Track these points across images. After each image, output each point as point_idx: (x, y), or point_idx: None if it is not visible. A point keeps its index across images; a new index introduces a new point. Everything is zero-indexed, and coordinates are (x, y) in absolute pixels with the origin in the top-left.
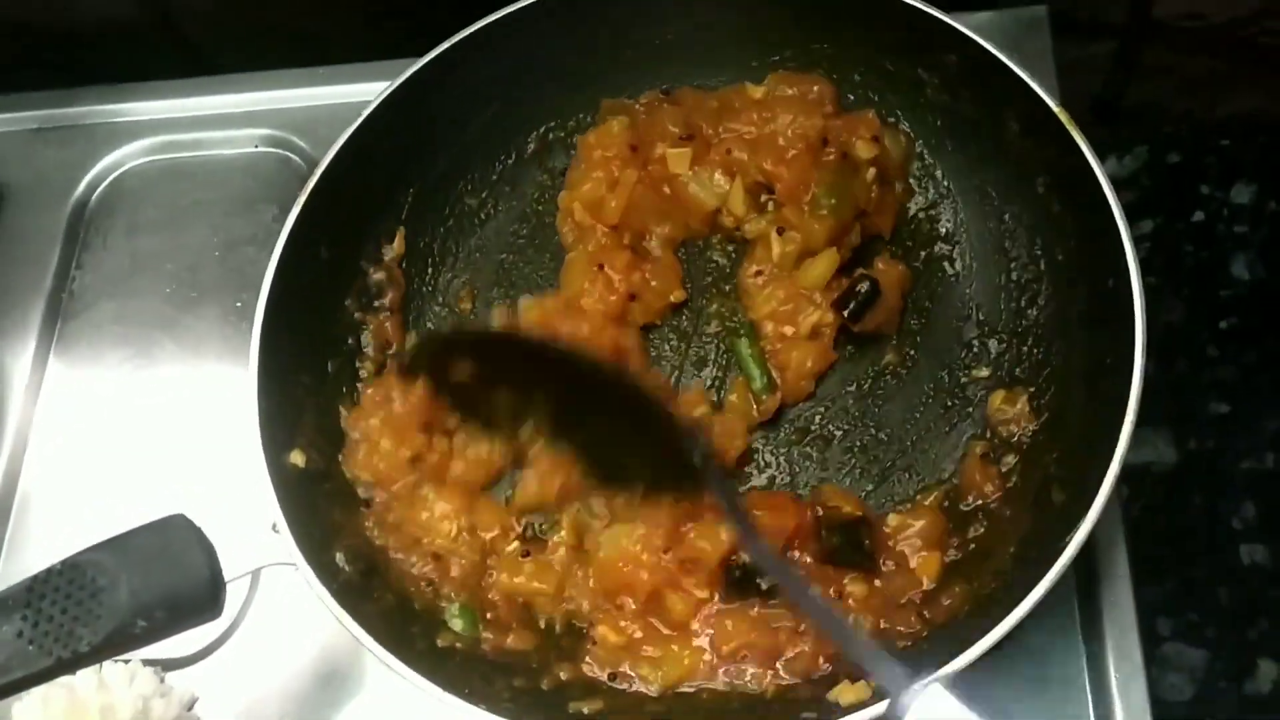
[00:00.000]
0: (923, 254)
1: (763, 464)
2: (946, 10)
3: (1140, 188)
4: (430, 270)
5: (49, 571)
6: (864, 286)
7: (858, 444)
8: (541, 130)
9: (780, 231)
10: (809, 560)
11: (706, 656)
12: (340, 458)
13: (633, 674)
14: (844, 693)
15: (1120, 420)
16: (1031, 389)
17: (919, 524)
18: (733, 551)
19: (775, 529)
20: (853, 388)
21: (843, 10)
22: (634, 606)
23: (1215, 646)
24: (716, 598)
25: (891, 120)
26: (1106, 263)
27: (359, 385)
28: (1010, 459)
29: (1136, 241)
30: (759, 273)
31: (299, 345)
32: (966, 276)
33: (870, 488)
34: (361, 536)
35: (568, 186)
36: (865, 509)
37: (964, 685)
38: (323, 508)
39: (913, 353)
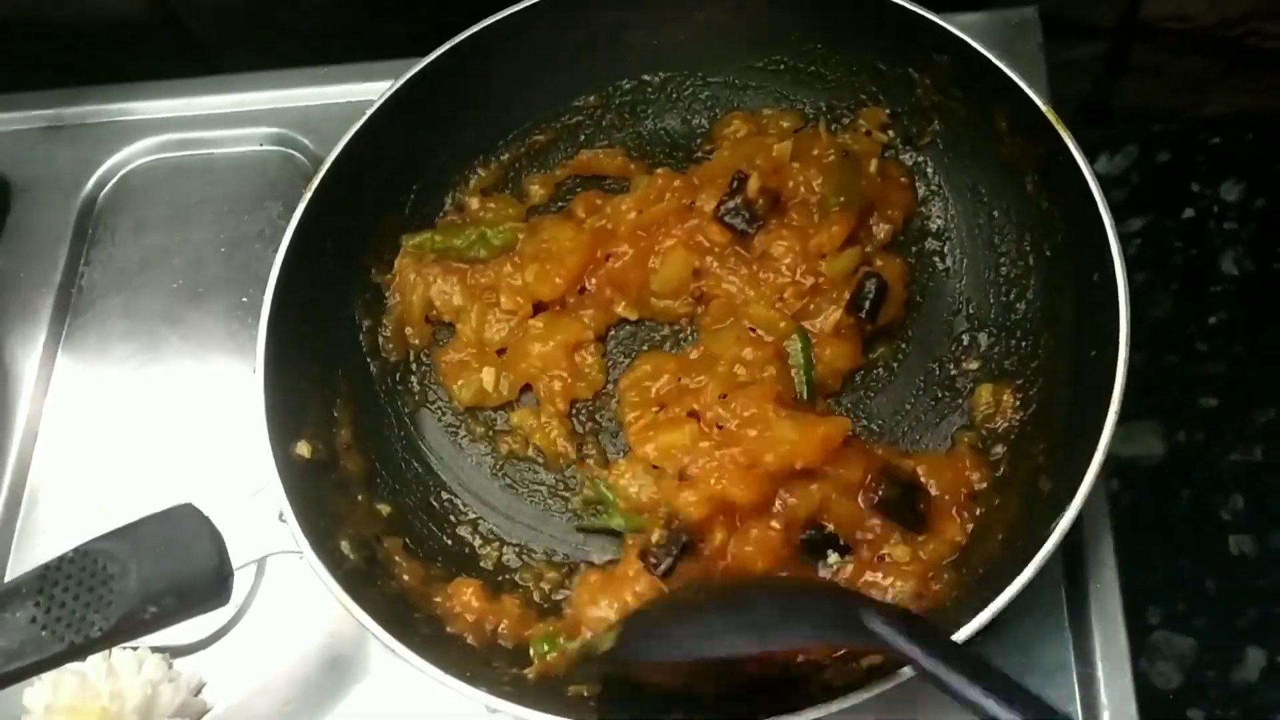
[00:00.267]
0: (914, 249)
1: None
2: (938, 11)
3: (1130, 186)
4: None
5: (61, 559)
6: (871, 285)
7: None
8: (542, 128)
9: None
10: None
11: None
12: None
13: None
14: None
15: (1105, 410)
16: (1019, 381)
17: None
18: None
19: (849, 477)
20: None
21: (835, 12)
22: None
23: (1204, 635)
24: None
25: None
26: (1092, 258)
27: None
28: (999, 449)
29: (1127, 238)
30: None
31: (304, 338)
32: (957, 272)
33: None
34: (365, 526)
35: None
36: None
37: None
38: (328, 497)
39: (904, 346)
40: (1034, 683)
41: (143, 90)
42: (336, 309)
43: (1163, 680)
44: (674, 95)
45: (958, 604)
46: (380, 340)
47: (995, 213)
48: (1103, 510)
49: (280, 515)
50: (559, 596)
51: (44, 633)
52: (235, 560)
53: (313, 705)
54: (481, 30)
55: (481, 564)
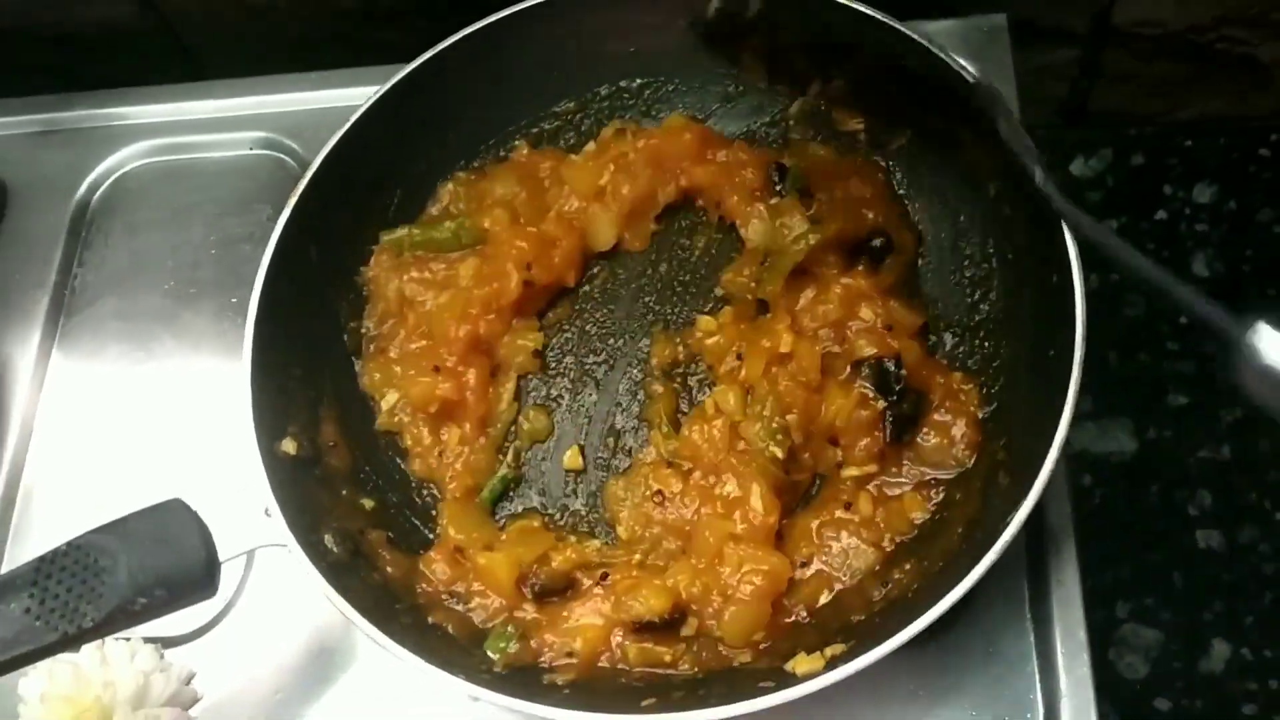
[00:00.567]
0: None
1: None
2: (904, 19)
3: (1105, 188)
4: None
5: (54, 553)
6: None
7: None
8: (525, 132)
9: None
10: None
11: None
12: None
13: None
14: (800, 663)
15: (1061, 408)
16: (982, 379)
17: None
18: None
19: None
20: None
21: (802, 20)
22: None
23: (1170, 628)
24: None
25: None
26: (1051, 260)
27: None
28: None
29: None
30: None
31: (290, 338)
32: (925, 274)
33: None
34: (349, 520)
35: None
36: None
37: (917, 662)
38: (313, 492)
39: None
40: (996, 671)
41: (135, 95)
42: (321, 309)
43: (1131, 671)
44: (650, 100)
45: (920, 593)
46: (363, 339)
47: (961, 217)
48: (1064, 505)
49: (266, 510)
50: None
51: (38, 623)
52: (223, 553)
53: (301, 693)
54: (464, 38)
55: None
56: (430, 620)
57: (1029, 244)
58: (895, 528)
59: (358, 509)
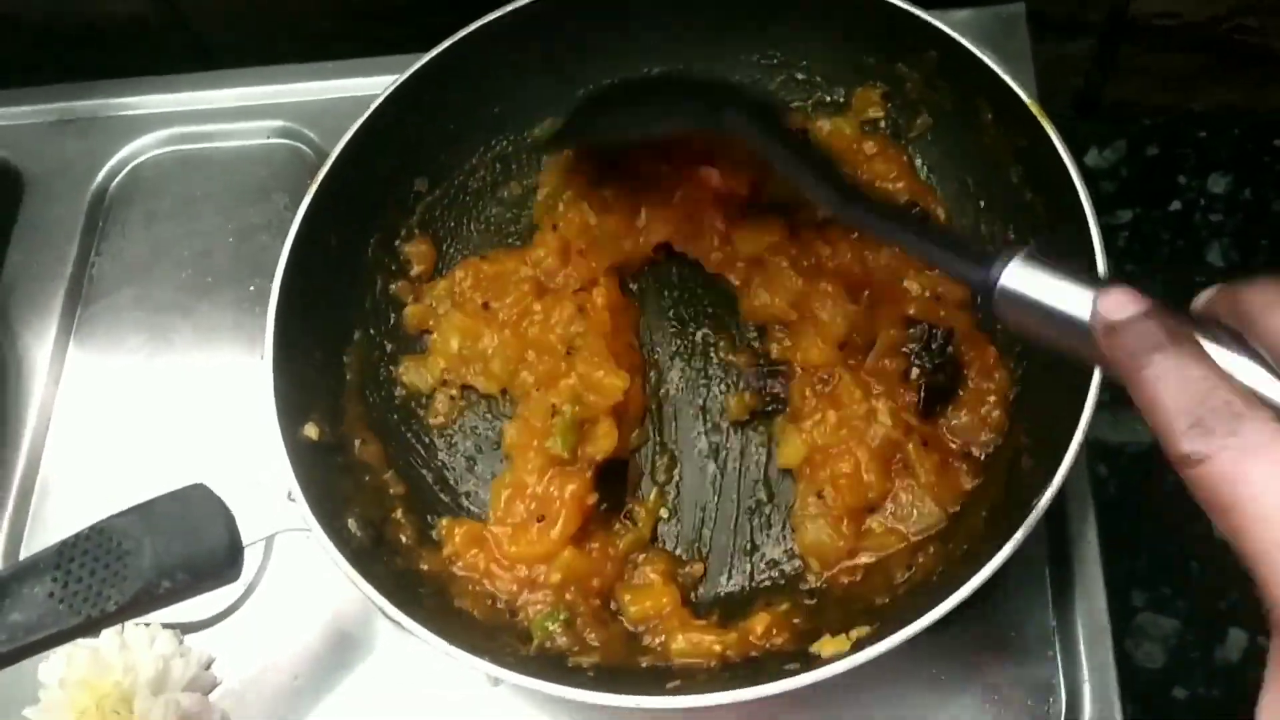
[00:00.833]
0: None
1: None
2: (926, 8)
3: (1119, 179)
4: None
5: (77, 536)
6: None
7: None
8: (546, 121)
9: None
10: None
11: None
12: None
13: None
14: (825, 645)
15: (1086, 392)
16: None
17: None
18: None
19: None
20: None
21: (824, 9)
22: None
23: (1187, 616)
24: None
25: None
26: (1074, 246)
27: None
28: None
29: (1116, 230)
30: None
31: (310, 325)
32: None
33: None
34: (373, 506)
35: None
36: None
37: (938, 646)
38: (335, 478)
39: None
40: (1018, 656)
41: (151, 85)
42: (342, 296)
43: (1148, 660)
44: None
45: (944, 576)
46: (388, 327)
47: (981, 203)
48: (1085, 492)
49: (289, 495)
50: None
51: (61, 606)
52: (246, 538)
53: (320, 679)
54: (486, 24)
55: None
56: (455, 605)
57: (1052, 230)
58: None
59: (384, 494)
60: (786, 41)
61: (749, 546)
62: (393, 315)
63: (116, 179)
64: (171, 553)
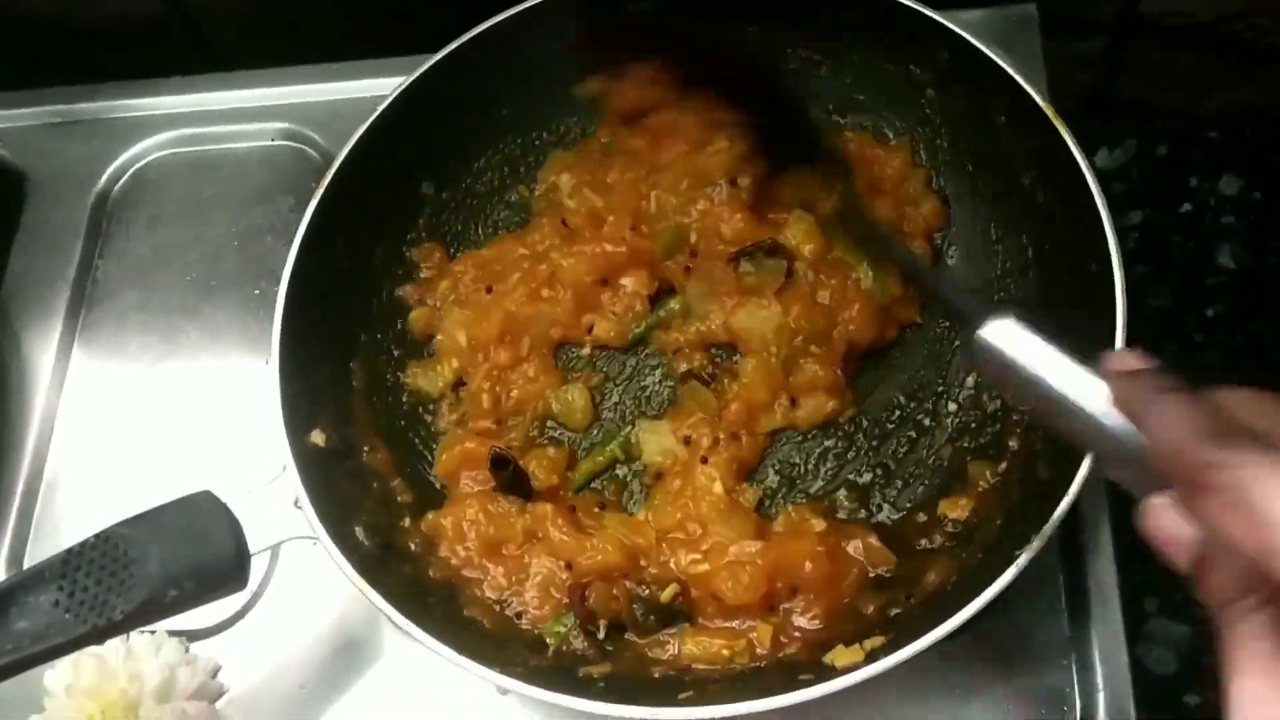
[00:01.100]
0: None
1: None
2: (936, 8)
3: (1130, 180)
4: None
5: (83, 545)
6: None
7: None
8: (551, 124)
9: None
10: None
11: None
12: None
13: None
14: (839, 655)
15: None
16: None
17: None
18: None
19: None
20: None
21: (837, 11)
22: None
23: (1199, 622)
24: None
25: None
26: (1089, 248)
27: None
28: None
29: (1126, 232)
30: None
31: (317, 331)
32: (959, 266)
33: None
34: (381, 514)
35: None
36: None
37: (953, 655)
38: (343, 485)
39: (908, 333)
40: (1033, 665)
41: (156, 86)
42: (349, 301)
43: (1160, 666)
44: None
45: (958, 585)
46: (395, 332)
47: (993, 206)
48: (1100, 499)
49: (296, 502)
50: None
51: (67, 615)
52: (252, 546)
53: (327, 688)
54: (493, 26)
55: None
56: (465, 614)
57: (1065, 232)
58: None
59: (393, 501)
60: (798, 46)
61: None
62: (399, 321)
63: (120, 181)
64: (178, 561)
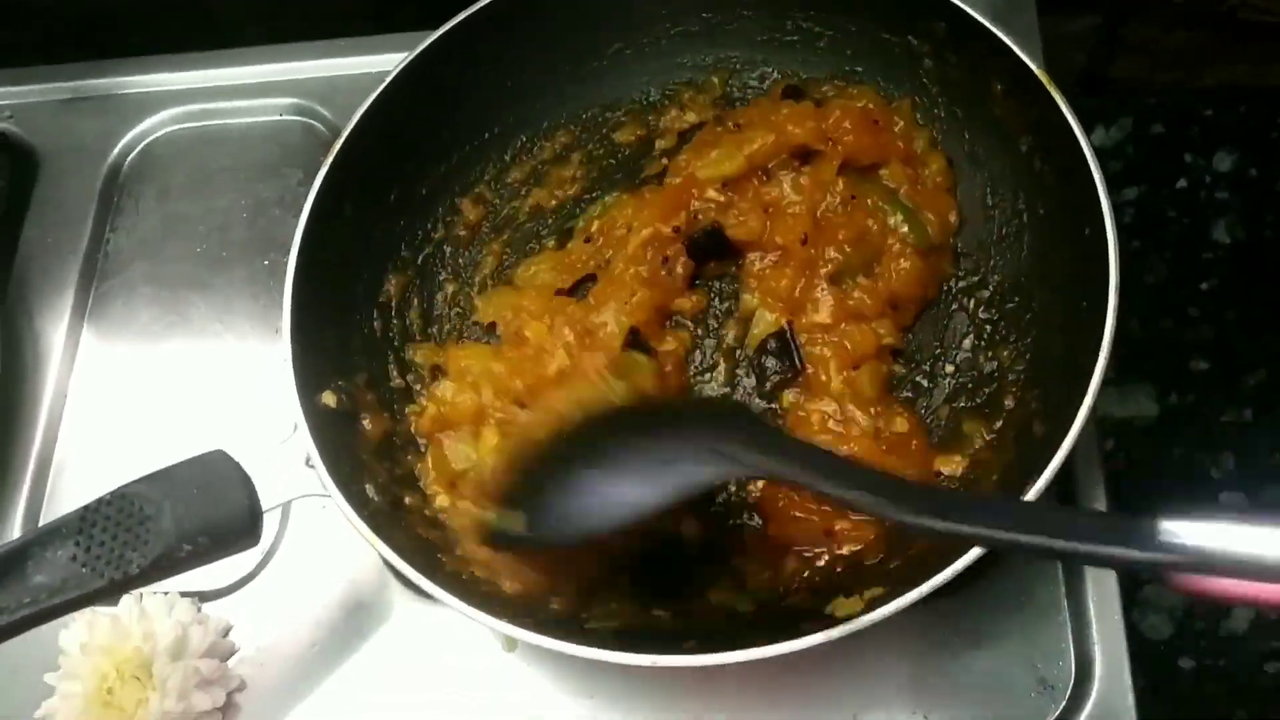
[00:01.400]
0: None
1: None
2: None
3: (1125, 157)
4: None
5: (99, 501)
6: None
7: None
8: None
9: None
10: None
11: None
12: None
13: None
14: (839, 606)
15: (1096, 356)
16: (1015, 332)
17: None
18: None
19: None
20: None
21: None
22: None
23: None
24: None
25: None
26: (1084, 213)
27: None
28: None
29: (1122, 208)
30: None
31: (326, 297)
32: (957, 231)
33: None
34: (388, 473)
35: None
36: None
37: (950, 610)
38: (353, 445)
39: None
40: (1029, 620)
41: (165, 62)
42: (357, 270)
43: (1154, 632)
44: (691, 44)
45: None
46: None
47: (990, 173)
48: (1094, 461)
49: (308, 460)
50: None
51: (84, 570)
52: (265, 503)
53: (337, 647)
54: (491, 4)
55: None
56: (473, 570)
57: (1060, 198)
58: None
59: (392, 474)
60: (797, 17)
61: None
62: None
63: (130, 156)
64: (192, 517)
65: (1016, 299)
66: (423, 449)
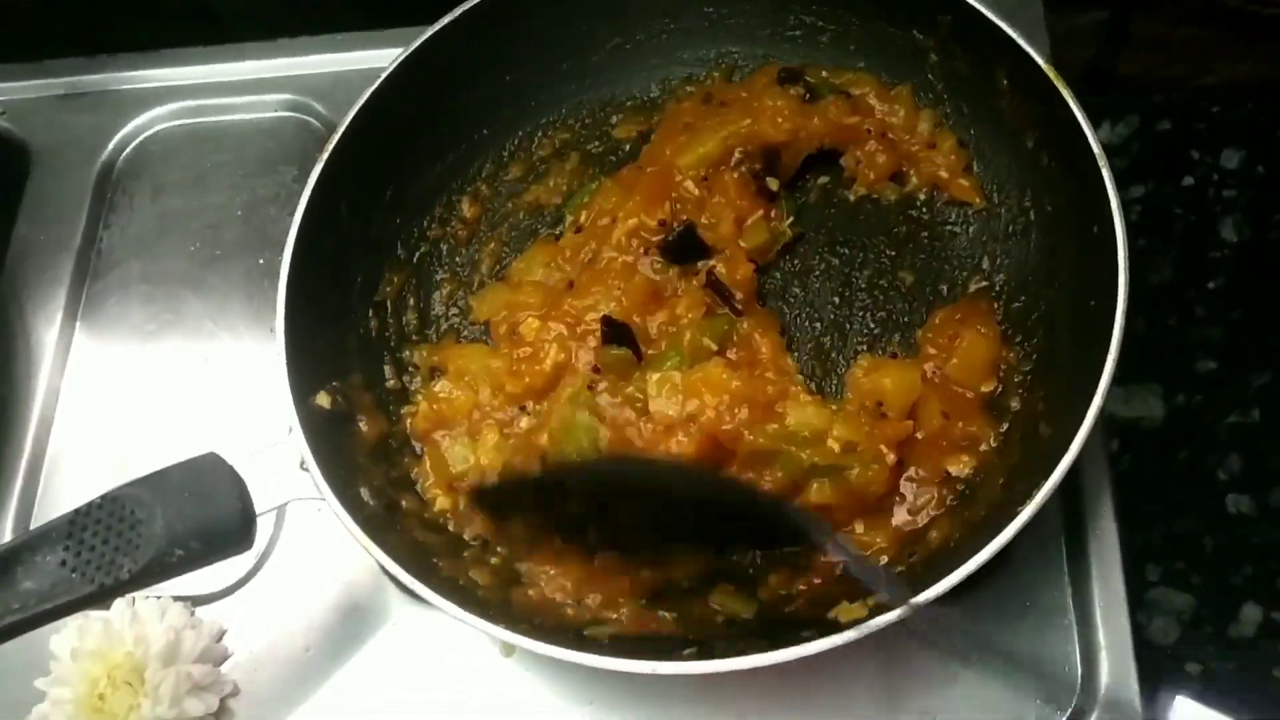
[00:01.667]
0: (921, 208)
1: None
2: None
3: (1131, 154)
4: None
5: (90, 505)
6: None
7: None
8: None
9: None
10: None
11: None
12: None
13: None
14: (843, 611)
15: (1104, 357)
16: (1022, 332)
17: None
18: None
19: None
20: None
21: None
22: None
23: (1201, 592)
24: None
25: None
26: (1091, 210)
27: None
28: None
29: (1129, 205)
30: None
31: (320, 298)
32: (963, 229)
33: None
34: (384, 476)
35: None
36: None
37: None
38: (348, 447)
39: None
40: (1034, 624)
41: (160, 58)
42: (352, 269)
43: (1161, 635)
44: (688, 33)
45: (961, 544)
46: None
47: (996, 170)
48: (1101, 463)
49: (302, 463)
50: None
51: (74, 575)
52: (258, 507)
53: (332, 652)
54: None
55: None
56: (470, 575)
57: (1068, 194)
58: None
59: (394, 466)
60: (800, 12)
61: None
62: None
63: (124, 152)
64: (184, 521)
65: (1023, 298)
66: (419, 452)
